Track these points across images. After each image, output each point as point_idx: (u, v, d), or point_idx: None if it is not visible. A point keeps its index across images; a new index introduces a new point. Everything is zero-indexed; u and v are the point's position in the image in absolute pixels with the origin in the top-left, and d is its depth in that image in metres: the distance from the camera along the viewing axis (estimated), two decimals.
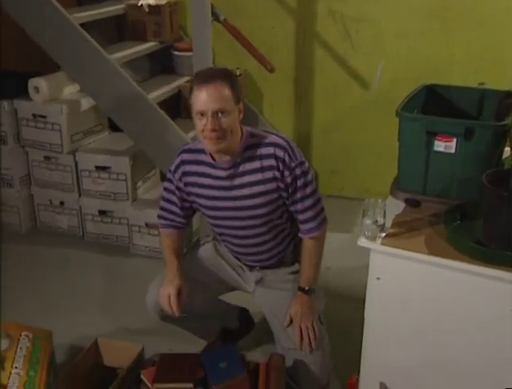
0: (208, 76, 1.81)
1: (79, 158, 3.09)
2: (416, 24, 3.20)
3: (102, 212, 3.12)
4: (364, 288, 1.78)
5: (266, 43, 3.44)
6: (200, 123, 1.80)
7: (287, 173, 1.87)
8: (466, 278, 1.58)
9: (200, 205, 2.02)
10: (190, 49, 2.96)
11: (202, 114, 1.79)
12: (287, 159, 1.87)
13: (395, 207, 1.87)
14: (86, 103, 3.13)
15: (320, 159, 3.68)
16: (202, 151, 1.95)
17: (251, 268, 2.12)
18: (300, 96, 3.60)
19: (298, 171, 1.89)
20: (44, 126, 3.06)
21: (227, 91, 1.79)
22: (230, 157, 1.89)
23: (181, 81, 3.38)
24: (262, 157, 1.88)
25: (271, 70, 3.14)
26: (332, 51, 3.41)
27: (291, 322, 1.98)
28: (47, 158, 3.15)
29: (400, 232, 1.73)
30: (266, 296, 2.08)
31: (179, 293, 1.90)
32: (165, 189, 2.07)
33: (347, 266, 2.80)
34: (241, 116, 1.89)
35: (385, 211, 1.70)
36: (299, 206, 1.93)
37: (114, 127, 3.22)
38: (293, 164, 1.87)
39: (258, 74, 3.60)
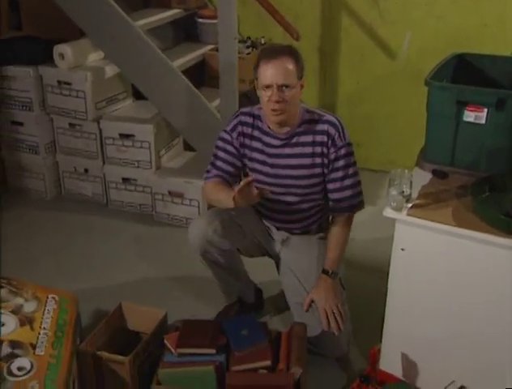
0: (275, 52, 1.93)
1: (103, 126, 3.09)
2: None
3: (126, 180, 3.14)
4: (388, 259, 1.78)
5: (292, 10, 3.39)
6: (265, 94, 1.92)
7: (332, 149, 1.99)
8: (492, 250, 1.56)
9: (246, 167, 2.12)
10: (215, 17, 2.93)
11: (268, 87, 1.90)
12: (336, 137, 1.98)
13: (422, 178, 1.85)
14: (110, 70, 3.12)
15: None
16: (259, 117, 2.06)
17: (278, 228, 2.20)
18: (325, 66, 3.54)
19: (343, 151, 1.99)
20: (69, 93, 3.06)
21: (291, 67, 1.90)
22: (288, 128, 2.00)
23: (206, 49, 3.36)
24: (315, 132, 2.00)
25: (297, 39, 3.10)
26: (359, 19, 3.34)
27: (310, 305, 2.04)
28: (72, 125, 3.16)
29: (426, 203, 1.72)
30: (290, 255, 2.16)
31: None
32: (221, 148, 2.11)
33: (370, 237, 2.78)
34: (302, 91, 1.98)
35: (411, 182, 1.69)
36: (338, 184, 2.01)
37: (138, 95, 3.21)
38: (341, 144, 1.98)
39: (283, 43, 3.55)
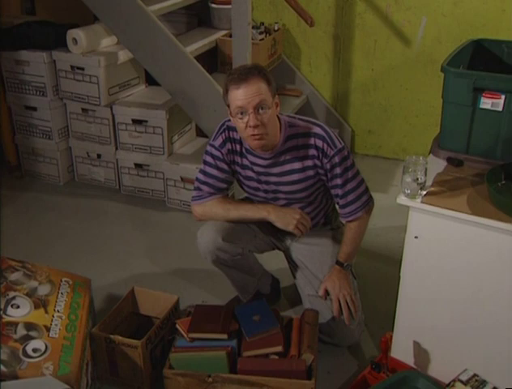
0: (243, 73, 1.80)
1: (116, 111, 3.09)
2: None
3: (138, 166, 3.15)
4: (400, 247, 1.77)
5: None
6: (242, 121, 1.82)
7: (325, 160, 1.92)
8: (508, 239, 1.55)
9: (238, 180, 2.09)
10: (228, 2, 2.91)
11: (243, 113, 1.80)
12: (325, 148, 1.91)
13: (436, 165, 1.84)
14: (123, 56, 3.12)
15: (357, 118, 3.62)
16: None
17: None
18: (339, 53, 3.51)
19: (337, 158, 1.92)
20: (82, 78, 3.07)
21: (264, 86, 1.81)
22: (271, 150, 1.93)
23: (219, 35, 3.33)
24: (302, 147, 1.93)
25: (312, 24, 3.07)
26: (374, 5, 3.30)
27: (327, 294, 2.03)
28: (85, 110, 3.17)
29: (441, 190, 1.70)
30: (301, 248, 2.14)
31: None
32: (212, 165, 2.01)
33: (382, 225, 2.77)
34: (278, 109, 1.90)
35: (426, 169, 1.67)
36: (339, 191, 1.97)
37: (151, 81, 3.21)
38: (332, 153, 1.91)
39: (297, 29, 3.53)
